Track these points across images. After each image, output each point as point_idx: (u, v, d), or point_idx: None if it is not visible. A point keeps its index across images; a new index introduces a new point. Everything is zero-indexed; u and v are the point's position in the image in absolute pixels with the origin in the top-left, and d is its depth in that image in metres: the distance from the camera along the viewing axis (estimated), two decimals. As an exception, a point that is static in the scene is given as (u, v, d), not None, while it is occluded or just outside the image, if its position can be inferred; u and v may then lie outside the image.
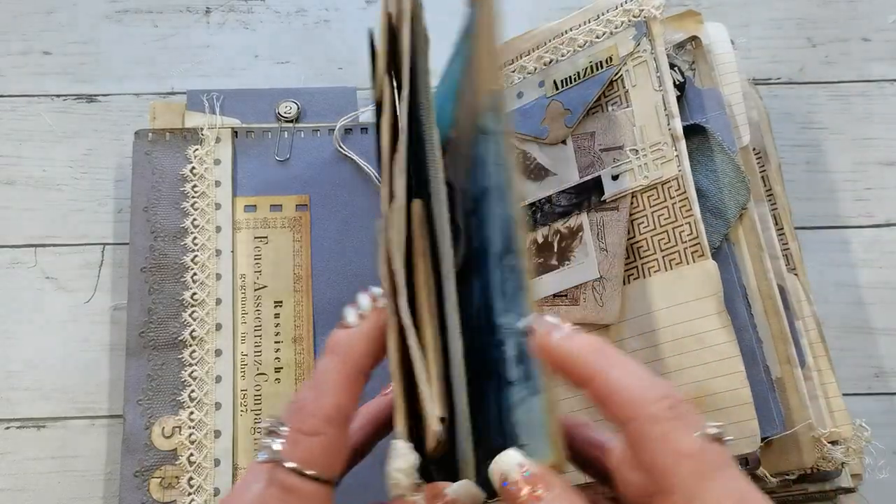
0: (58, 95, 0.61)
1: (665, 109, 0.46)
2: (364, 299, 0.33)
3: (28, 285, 0.56)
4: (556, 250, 0.49)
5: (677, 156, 0.46)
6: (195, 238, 0.53)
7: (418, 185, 0.37)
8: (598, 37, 0.50)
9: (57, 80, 0.62)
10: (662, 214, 0.46)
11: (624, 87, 0.49)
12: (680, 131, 0.46)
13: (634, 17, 0.49)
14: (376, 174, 0.55)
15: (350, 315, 0.33)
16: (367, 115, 0.57)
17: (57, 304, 0.56)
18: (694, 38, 0.50)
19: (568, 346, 0.29)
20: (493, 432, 0.32)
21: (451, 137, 0.40)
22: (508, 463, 0.28)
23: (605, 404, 0.28)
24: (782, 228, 0.50)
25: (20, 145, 0.60)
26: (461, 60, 0.42)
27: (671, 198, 0.45)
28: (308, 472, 0.30)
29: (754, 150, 0.50)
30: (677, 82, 0.48)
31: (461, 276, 0.35)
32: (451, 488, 0.29)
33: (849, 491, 0.47)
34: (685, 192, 0.45)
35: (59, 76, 0.62)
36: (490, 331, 0.33)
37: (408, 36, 0.36)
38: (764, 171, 0.51)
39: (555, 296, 0.47)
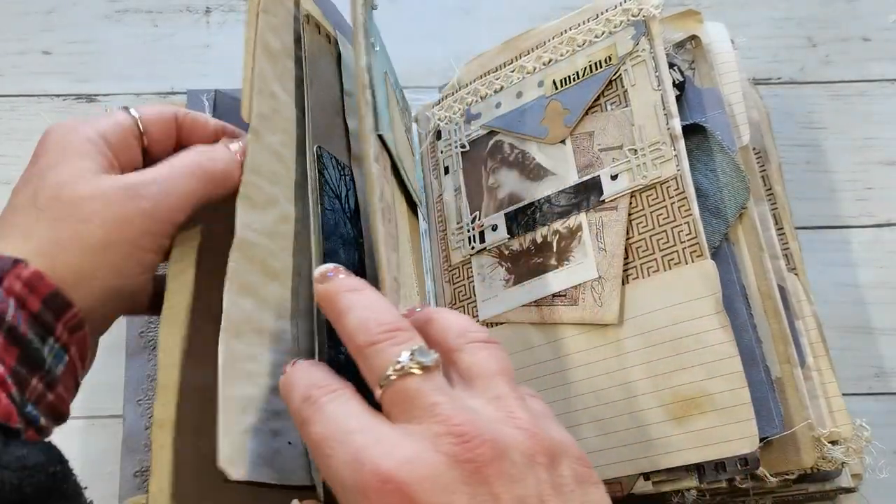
0: (58, 95, 0.61)
1: (664, 109, 0.46)
2: None
3: (28, 285, 0.56)
4: (555, 250, 0.48)
5: (676, 155, 0.45)
6: (194, 238, 0.53)
7: None
8: (597, 36, 0.50)
9: (57, 80, 0.62)
10: (661, 214, 0.46)
11: (623, 87, 0.48)
12: (678, 131, 0.46)
13: (633, 16, 0.49)
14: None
15: None
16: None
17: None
18: (693, 38, 0.50)
19: (322, 289, 0.31)
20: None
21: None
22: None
23: (346, 341, 0.30)
24: (782, 228, 0.50)
25: (20, 145, 0.60)
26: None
27: (670, 197, 0.45)
28: None
29: (754, 149, 0.50)
30: (677, 81, 0.48)
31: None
32: None
33: (849, 491, 0.47)
34: (684, 191, 0.45)
35: (58, 76, 0.62)
36: None
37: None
38: (764, 170, 0.51)
39: (554, 296, 0.47)
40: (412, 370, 0.27)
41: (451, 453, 0.25)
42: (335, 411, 0.28)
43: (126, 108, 0.38)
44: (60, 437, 0.52)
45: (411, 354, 0.28)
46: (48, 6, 0.64)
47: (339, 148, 0.44)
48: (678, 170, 0.45)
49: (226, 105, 0.53)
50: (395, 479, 0.25)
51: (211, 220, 0.38)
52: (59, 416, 0.33)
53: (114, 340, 0.54)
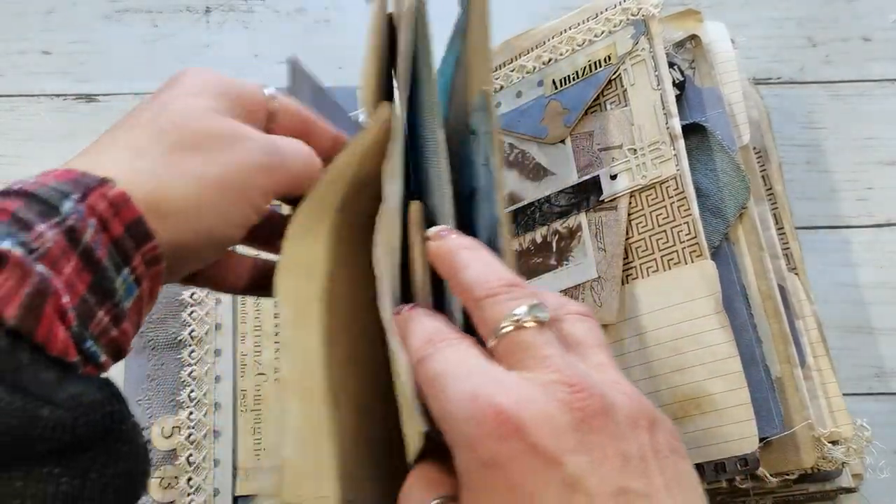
0: (57, 95, 0.61)
1: (663, 108, 0.46)
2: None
3: (27, 285, 0.56)
4: (554, 250, 0.48)
5: (675, 155, 0.45)
6: (194, 238, 0.53)
7: (417, 187, 0.37)
8: (596, 36, 0.50)
9: (56, 80, 0.62)
10: (661, 214, 0.46)
11: (622, 86, 0.48)
12: (678, 130, 0.46)
13: (633, 15, 0.49)
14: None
15: None
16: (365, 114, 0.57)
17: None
18: (693, 37, 0.50)
19: (436, 246, 0.32)
20: None
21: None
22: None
23: (463, 293, 0.31)
24: (783, 228, 0.50)
25: (20, 145, 0.60)
26: (453, 59, 0.42)
27: (669, 197, 0.45)
28: None
29: (754, 148, 0.50)
30: (677, 81, 0.48)
31: None
32: None
33: (850, 491, 0.47)
34: (683, 191, 0.45)
35: (58, 76, 0.62)
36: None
37: (407, 35, 0.36)
38: (764, 170, 0.51)
39: (554, 295, 0.47)
40: (527, 324, 0.28)
41: (564, 400, 0.26)
42: (455, 353, 0.28)
43: (264, 86, 0.35)
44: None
45: (529, 308, 0.28)
46: (48, 6, 0.64)
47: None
48: (678, 169, 0.45)
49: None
50: (512, 414, 0.25)
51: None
52: (120, 352, 0.30)
53: (113, 340, 0.54)
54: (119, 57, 0.62)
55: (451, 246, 0.32)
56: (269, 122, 0.35)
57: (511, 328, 0.28)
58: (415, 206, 0.34)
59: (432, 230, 0.32)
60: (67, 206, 0.27)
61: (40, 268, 0.25)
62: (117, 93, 0.61)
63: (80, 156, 0.31)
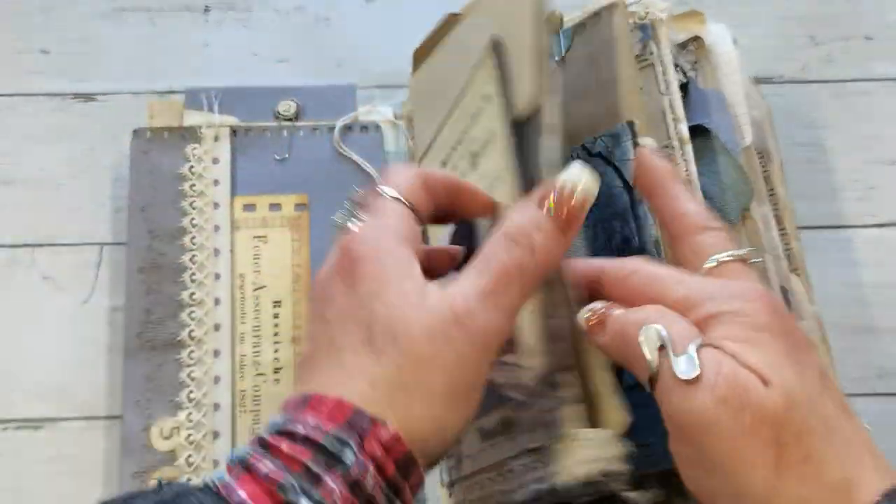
0: (56, 94, 0.61)
1: (672, 113, 0.46)
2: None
3: (25, 285, 0.56)
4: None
5: (684, 160, 0.45)
6: (193, 238, 0.53)
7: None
8: (601, 38, 0.50)
9: (55, 79, 0.61)
10: (666, 217, 0.45)
11: (629, 91, 0.48)
12: (686, 134, 0.45)
13: (640, 19, 0.48)
14: (376, 173, 0.55)
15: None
16: (366, 113, 0.57)
17: (55, 304, 0.55)
18: (696, 38, 0.50)
19: (649, 162, 0.37)
20: None
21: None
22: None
23: (662, 215, 0.37)
24: (784, 228, 0.50)
25: (18, 144, 0.59)
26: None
27: (676, 201, 0.45)
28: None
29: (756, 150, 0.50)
30: (680, 83, 0.48)
31: None
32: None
33: (851, 492, 0.47)
34: (691, 195, 0.45)
35: (57, 75, 0.61)
36: None
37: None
38: (766, 170, 0.51)
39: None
40: (745, 259, 0.34)
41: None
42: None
43: (398, 199, 0.34)
44: (58, 436, 0.52)
45: (739, 252, 0.34)
46: (46, 5, 0.63)
47: None
48: (686, 174, 0.45)
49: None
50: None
51: None
52: None
53: (112, 341, 0.54)
54: (117, 56, 0.62)
55: (671, 170, 0.37)
56: (424, 205, 0.34)
57: (731, 259, 0.34)
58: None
59: (647, 142, 0.38)
60: (349, 457, 0.28)
61: None
62: (115, 92, 0.61)
63: (338, 371, 0.31)
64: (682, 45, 0.50)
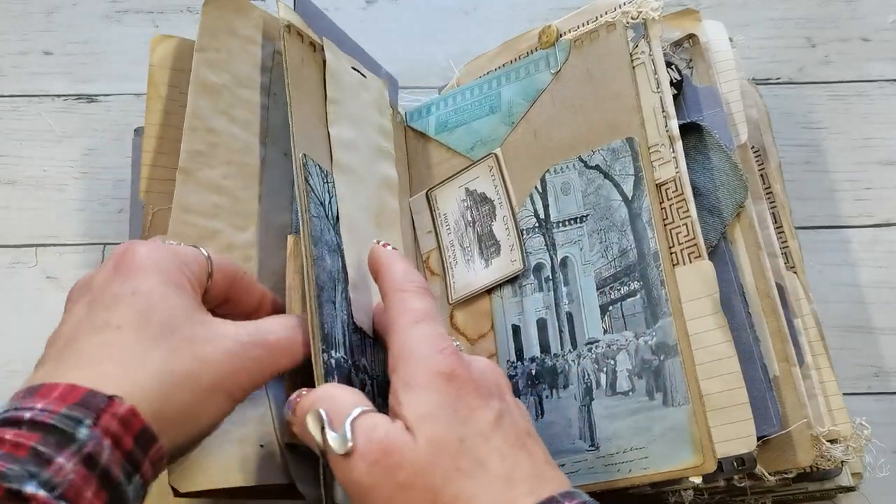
0: (58, 95, 0.61)
1: (663, 111, 0.46)
2: None
3: (29, 285, 0.56)
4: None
5: (675, 157, 0.45)
6: (194, 237, 0.53)
7: None
8: (595, 36, 0.50)
9: (57, 80, 0.62)
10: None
11: (622, 88, 0.48)
12: (677, 132, 0.46)
13: (633, 18, 0.48)
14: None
15: None
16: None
17: (58, 304, 0.55)
18: (691, 36, 0.50)
19: (373, 252, 0.40)
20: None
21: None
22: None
23: (389, 283, 0.38)
24: (781, 227, 0.50)
25: (21, 145, 0.60)
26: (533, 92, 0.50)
27: (668, 199, 0.45)
28: None
29: (753, 148, 0.50)
30: (674, 80, 0.48)
31: None
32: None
33: (849, 490, 0.47)
34: (682, 193, 0.45)
35: (59, 76, 0.62)
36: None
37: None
38: (763, 169, 0.51)
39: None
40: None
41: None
42: None
43: (198, 247, 0.38)
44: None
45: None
46: (49, 6, 0.64)
47: (322, 155, 0.45)
48: (677, 171, 0.45)
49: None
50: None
51: None
52: None
53: (114, 340, 0.54)
54: (120, 57, 0.63)
55: (383, 250, 0.40)
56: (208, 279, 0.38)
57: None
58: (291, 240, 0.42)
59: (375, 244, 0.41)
60: (83, 433, 0.29)
61: None
62: (117, 93, 0.61)
63: (73, 361, 0.32)
64: (677, 43, 0.50)
